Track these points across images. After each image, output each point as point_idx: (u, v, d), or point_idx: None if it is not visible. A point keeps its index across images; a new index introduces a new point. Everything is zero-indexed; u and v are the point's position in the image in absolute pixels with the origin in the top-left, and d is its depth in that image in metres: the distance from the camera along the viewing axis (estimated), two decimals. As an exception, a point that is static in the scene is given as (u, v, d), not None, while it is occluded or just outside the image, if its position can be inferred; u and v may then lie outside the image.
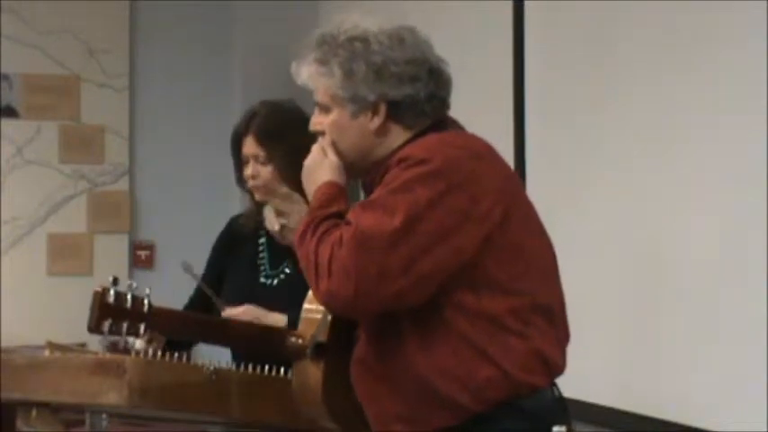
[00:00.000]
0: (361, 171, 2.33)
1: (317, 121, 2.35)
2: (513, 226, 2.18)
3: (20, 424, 2.82)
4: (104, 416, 2.87)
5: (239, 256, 3.25)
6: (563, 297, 2.32)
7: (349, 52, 2.26)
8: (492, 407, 2.16)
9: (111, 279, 2.37)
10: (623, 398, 3.36)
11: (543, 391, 2.20)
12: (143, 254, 6.35)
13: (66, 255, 6.17)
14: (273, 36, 6.18)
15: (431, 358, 2.17)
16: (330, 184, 2.28)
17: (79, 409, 2.84)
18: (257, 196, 3.16)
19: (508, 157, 3.87)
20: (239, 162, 3.20)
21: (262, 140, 3.12)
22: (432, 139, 2.24)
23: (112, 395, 2.57)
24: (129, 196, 6.32)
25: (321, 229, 2.17)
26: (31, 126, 6.16)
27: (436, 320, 2.16)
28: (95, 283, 6.47)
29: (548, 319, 2.23)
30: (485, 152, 2.25)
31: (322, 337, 2.41)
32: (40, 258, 6.14)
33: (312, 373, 2.42)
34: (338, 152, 2.31)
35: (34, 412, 2.78)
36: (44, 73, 6.18)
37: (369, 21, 2.32)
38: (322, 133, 2.34)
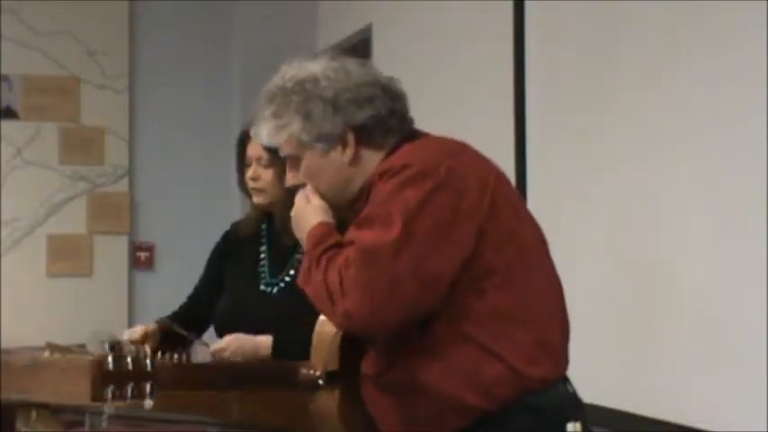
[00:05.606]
0: (347, 205, 2.33)
1: (291, 177, 2.36)
2: (500, 213, 2.18)
3: (20, 425, 2.81)
4: (104, 417, 2.87)
5: (238, 263, 3.23)
6: (561, 287, 2.31)
7: (302, 95, 2.27)
8: (500, 404, 2.15)
9: (107, 345, 2.35)
10: (622, 398, 3.36)
11: (554, 386, 2.19)
12: (143, 255, 6.36)
13: (66, 256, 6.18)
14: (273, 37, 6.19)
15: (437, 363, 2.16)
16: (319, 225, 2.27)
17: (79, 410, 2.84)
18: (256, 199, 3.15)
19: (509, 158, 3.91)
20: (242, 163, 3.19)
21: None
22: (405, 149, 2.25)
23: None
24: (129, 197, 6.33)
25: (324, 261, 2.16)
26: (31, 127, 6.17)
27: (441, 326, 2.15)
28: (95, 284, 6.53)
29: (548, 307, 2.23)
30: (459, 150, 2.26)
31: (332, 366, 2.41)
32: (39, 259, 6.14)
33: (327, 402, 2.42)
34: (322, 194, 2.32)
35: (34, 413, 2.77)
36: (44, 74, 6.19)
37: (310, 63, 2.32)
38: (301, 186, 2.35)
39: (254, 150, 3.13)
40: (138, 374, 2.35)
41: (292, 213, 2.36)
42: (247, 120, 3.23)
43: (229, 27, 6.47)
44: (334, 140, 2.26)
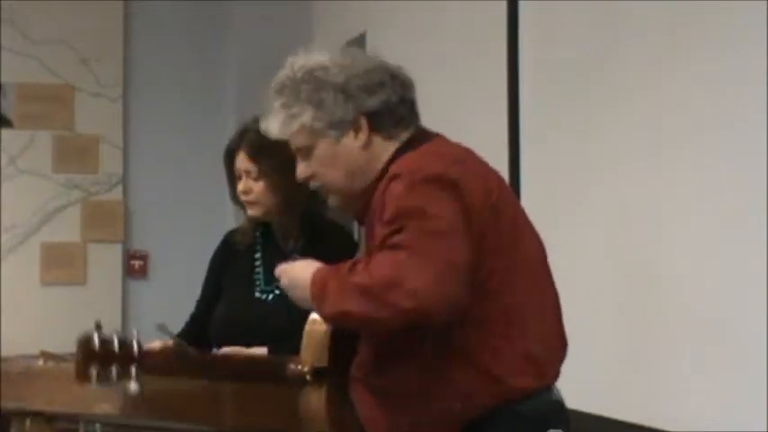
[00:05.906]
0: (359, 196, 2.30)
1: (303, 168, 2.33)
2: (501, 220, 2.19)
3: (13, 433, 2.80)
4: (98, 425, 2.86)
5: (235, 271, 3.24)
6: (557, 297, 2.31)
7: (312, 84, 2.26)
8: (483, 412, 2.15)
9: (94, 324, 2.34)
10: (621, 399, 3.34)
11: (538, 394, 2.20)
12: (137, 263, 6.34)
13: (60, 264, 6.16)
14: (268, 46, 6.17)
15: (423, 371, 2.17)
16: (320, 270, 2.20)
17: (73, 418, 2.83)
18: (250, 211, 3.16)
19: (503, 161, 3.89)
20: (232, 177, 3.20)
21: (253, 156, 3.13)
22: (413, 154, 2.23)
23: (105, 404, 2.55)
24: (123, 206, 6.31)
25: (359, 267, 2.09)
26: (25, 135, 6.15)
27: (429, 334, 2.14)
28: (89, 293, 6.52)
29: (541, 316, 2.23)
30: (464, 156, 2.26)
31: (322, 363, 2.40)
32: (33, 268, 6.13)
33: (315, 398, 2.42)
34: (333, 184, 2.30)
35: (28, 422, 2.76)
36: (38, 82, 6.17)
37: (317, 53, 2.31)
38: (311, 179, 2.33)
39: (241, 164, 3.15)
40: (125, 357, 2.35)
41: (283, 284, 2.32)
42: (233, 130, 3.24)
43: (223, 35, 6.46)
44: (346, 127, 2.25)
